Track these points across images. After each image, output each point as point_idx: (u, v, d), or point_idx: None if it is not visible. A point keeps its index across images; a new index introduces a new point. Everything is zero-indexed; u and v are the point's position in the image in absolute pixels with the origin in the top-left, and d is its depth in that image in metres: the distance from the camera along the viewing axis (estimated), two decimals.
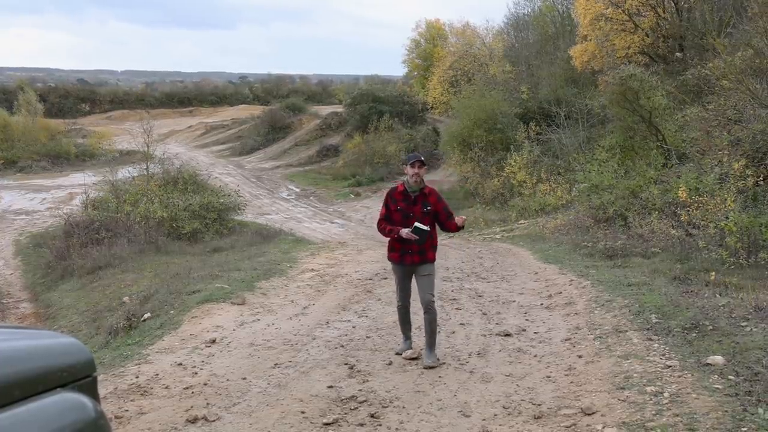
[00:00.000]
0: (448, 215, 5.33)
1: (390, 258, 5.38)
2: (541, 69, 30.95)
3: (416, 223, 5.12)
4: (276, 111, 47.27)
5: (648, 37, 24.19)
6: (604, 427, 3.63)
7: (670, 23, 23.69)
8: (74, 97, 59.54)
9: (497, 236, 17.07)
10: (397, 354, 5.38)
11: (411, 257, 5.22)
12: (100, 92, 64.05)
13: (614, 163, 16.90)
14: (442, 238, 16.95)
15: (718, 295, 6.63)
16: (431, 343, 5.23)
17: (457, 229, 5.33)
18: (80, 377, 1.68)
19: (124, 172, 23.64)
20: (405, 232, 5.13)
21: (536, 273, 9.43)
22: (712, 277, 7.73)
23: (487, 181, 24.97)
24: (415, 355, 5.28)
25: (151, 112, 55.54)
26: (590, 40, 25.48)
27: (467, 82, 32.99)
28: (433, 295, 5.29)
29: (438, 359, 5.17)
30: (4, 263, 18.42)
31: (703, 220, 11.10)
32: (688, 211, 11.56)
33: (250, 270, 9.79)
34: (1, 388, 1.45)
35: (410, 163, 5.25)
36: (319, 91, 71.60)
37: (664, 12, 23.81)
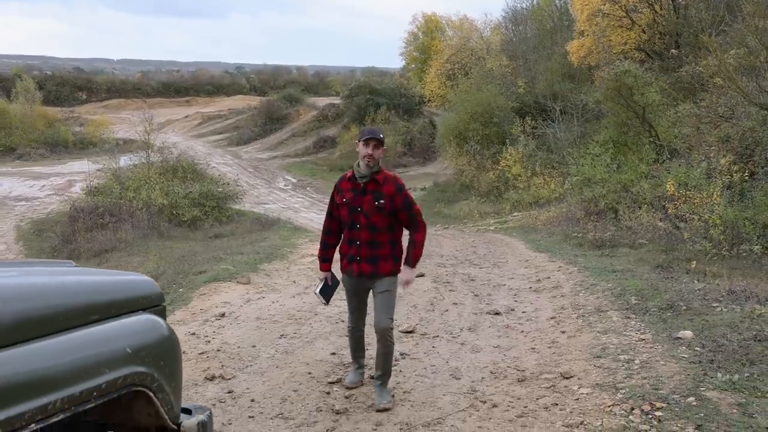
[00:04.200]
0: (410, 218, 4.04)
1: (341, 267, 4.15)
2: (538, 63, 31.32)
3: (317, 289, 4.21)
4: (273, 102, 47.54)
5: (644, 33, 24.56)
6: (579, 388, 4.06)
7: (667, 20, 24.04)
8: (71, 86, 59.48)
9: (491, 228, 17.49)
10: (346, 387, 4.29)
11: (358, 266, 4.00)
12: (97, 81, 63.99)
13: (607, 157, 17.31)
14: (435, 228, 17.41)
15: (696, 281, 7.06)
16: (384, 378, 4.09)
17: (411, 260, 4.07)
18: (154, 305, 2.13)
19: (125, 160, 23.95)
20: (317, 289, 4.24)
21: (527, 260, 9.85)
22: (693, 266, 8.17)
23: (483, 174, 25.36)
24: (355, 385, 4.30)
25: (148, 102, 55.71)
26: (587, 35, 25.86)
27: (464, 75, 33.31)
28: (392, 320, 4.03)
29: (393, 397, 4.07)
30: (6, 248, 18.72)
31: (689, 213, 11.54)
32: (676, 204, 11.99)
33: (252, 254, 10.18)
34: (103, 307, 1.91)
35: (363, 139, 3.98)
36: (316, 82, 71.80)
37: (660, 9, 24.16)
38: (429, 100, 39.09)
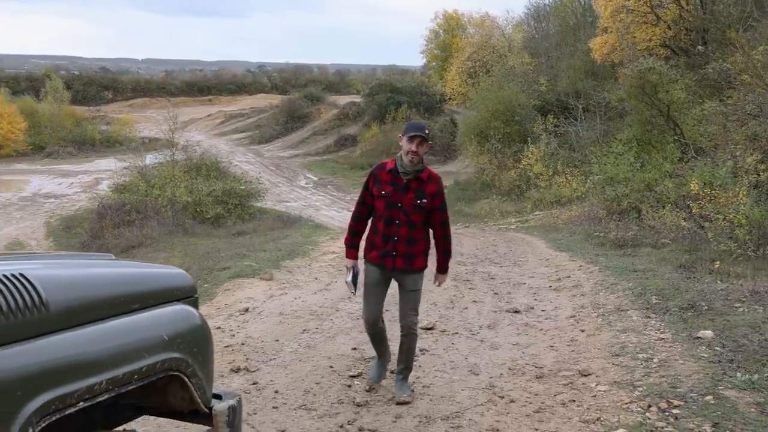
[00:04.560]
0: (443, 221, 4.04)
1: (367, 256, 4.10)
2: (560, 61, 31.10)
3: (349, 278, 4.10)
4: (294, 100, 47.89)
5: (670, 29, 24.25)
6: (597, 385, 4.11)
7: (693, 16, 23.71)
8: (97, 85, 60.53)
9: (512, 226, 17.49)
10: (368, 385, 4.26)
11: (393, 261, 3.97)
12: (123, 80, 65.12)
13: (630, 156, 17.20)
14: (455, 227, 17.45)
15: (718, 281, 7.04)
16: (405, 373, 4.18)
17: (441, 269, 4.20)
18: (188, 296, 2.27)
19: (150, 159, 24.37)
20: (348, 277, 4.12)
21: (547, 259, 9.87)
22: (717, 266, 8.12)
23: (504, 172, 25.32)
24: (377, 383, 4.26)
25: (172, 101, 56.38)
26: (611, 32, 25.60)
27: (485, 73, 33.23)
28: (417, 315, 4.13)
29: (412, 392, 4.15)
30: (36, 243, 19.20)
31: (714, 213, 11.44)
32: (701, 204, 11.89)
33: (274, 251, 10.33)
34: (142, 297, 2.04)
35: (408, 135, 3.87)
36: (337, 80, 72.11)
37: (687, 4, 23.81)
38: (450, 99, 39.04)
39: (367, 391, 4.24)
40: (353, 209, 4.20)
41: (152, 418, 2.95)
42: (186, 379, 2.05)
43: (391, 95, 39.14)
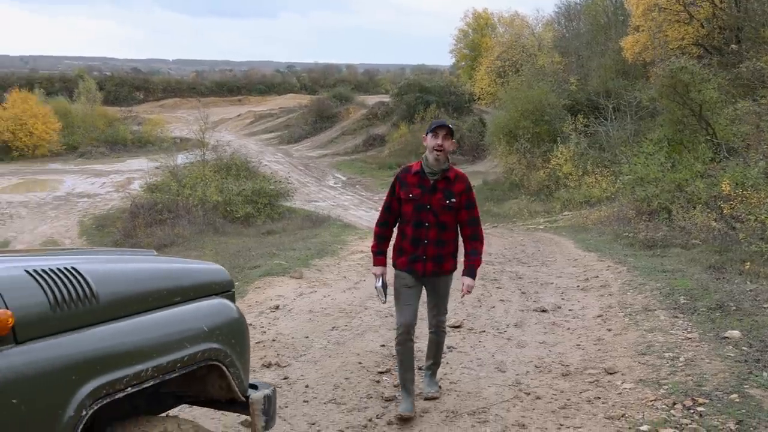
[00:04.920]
0: (471, 219, 3.93)
1: (396, 263, 3.98)
2: (591, 60, 30.79)
3: (379, 284, 3.96)
4: (323, 100, 48.19)
5: (703, 27, 23.86)
6: (622, 383, 4.15)
7: (727, 14, 23.29)
8: (129, 86, 61.59)
9: (540, 226, 17.42)
10: (400, 418, 3.79)
11: (424, 265, 3.85)
12: (154, 81, 66.13)
13: (661, 156, 17.00)
14: (484, 227, 17.34)
15: (748, 282, 6.98)
16: (433, 368, 4.22)
17: (469, 272, 3.94)
18: (226, 290, 2.40)
19: (181, 158, 24.80)
20: (378, 283, 3.97)
21: (575, 260, 9.85)
22: (747, 267, 8.03)
23: (533, 172, 25.18)
24: (411, 415, 3.81)
25: (202, 101, 57.21)
26: (642, 30, 25.27)
27: (515, 72, 33.07)
28: (446, 313, 4.14)
29: (440, 388, 4.20)
30: (70, 242, 19.69)
31: (745, 214, 11.28)
32: (732, 204, 11.74)
33: (304, 250, 10.49)
34: (184, 291, 2.18)
35: (431, 130, 3.84)
36: (366, 80, 72.32)
37: (720, 2, 23.41)
38: (479, 98, 38.91)
39: (395, 386, 4.33)
40: (378, 215, 4.11)
41: (188, 408, 3.11)
42: (224, 368, 2.17)
43: (419, 95, 39.14)
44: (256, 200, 20.72)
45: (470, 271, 3.95)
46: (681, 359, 4.44)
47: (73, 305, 1.78)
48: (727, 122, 16.98)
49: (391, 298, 3.99)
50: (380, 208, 4.10)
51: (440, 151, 3.79)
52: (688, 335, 4.99)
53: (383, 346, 5.21)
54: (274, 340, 5.36)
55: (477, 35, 44.24)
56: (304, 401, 4.12)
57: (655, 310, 5.96)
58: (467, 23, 45.35)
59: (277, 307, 6.51)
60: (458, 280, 3.96)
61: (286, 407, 4.01)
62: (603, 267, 8.72)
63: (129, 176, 30.95)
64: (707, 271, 7.82)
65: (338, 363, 4.79)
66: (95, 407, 1.72)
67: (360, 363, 4.78)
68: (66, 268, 1.85)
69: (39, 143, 38.29)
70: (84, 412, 1.68)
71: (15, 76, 55.53)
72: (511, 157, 26.76)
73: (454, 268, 3.99)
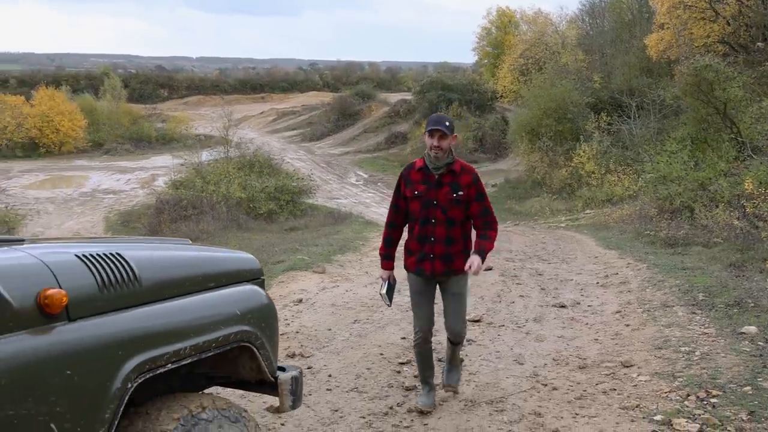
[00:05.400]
0: (482, 211, 3.72)
1: (406, 265, 3.87)
2: (615, 58, 30.55)
3: (383, 291, 3.91)
4: (345, 98, 48.35)
5: (729, 25, 23.56)
6: (638, 376, 4.24)
7: (754, 11, 22.97)
8: (153, 83, 62.03)
9: (562, 224, 17.41)
10: (419, 411, 3.85)
11: (432, 264, 3.70)
12: (178, 78, 66.57)
13: (684, 154, 16.89)
14: (505, 225, 17.47)
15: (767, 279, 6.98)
16: (454, 362, 4.09)
17: (478, 257, 3.59)
18: (256, 278, 2.56)
19: (205, 155, 25.13)
20: (382, 290, 3.93)
21: (596, 257, 9.89)
22: (767, 265, 8.03)
23: (555, 170, 25.11)
24: (430, 408, 3.88)
25: (225, 98, 57.70)
26: (667, 28, 25.05)
27: (538, 70, 32.93)
28: (465, 323, 3.94)
29: (460, 378, 4.15)
30: None
31: None
32: (755, 203, 11.66)
33: (326, 246, 10.67)
34: (218, 277, 2.35)
35: (428, 130, 3.68)
36: (388, 78, 72.23)
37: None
38: (501, 96, 38.81)
39: (415, 376, 4.45)
40: (386, 216, 3.95)
41: (215, 391, 3.27)
42: (255, 350, 2.32)
43: (442, 93, 39.11)
44: (279, 197, 20.95)
45: (479, 251, 3.62)
46: (697, 353, 4.51)
47: (118, 287, 1.93)
48: (752, 121, 16.80)
49: (396, 301, 3.90)
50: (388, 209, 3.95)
51: (438, 149, 3.63)
52: (705, 330, 5.05)
53: (404, 338, 5.34)
54: (297, 332, 5.52)
55: (500, 33, 44.07)
56: (327, 389, 4.27)
57: (674, 306, 6.01)
58: (490, 21, 45.21)
59: (300, 301, 6.68)
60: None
61: (310, 395, 4.16)
62: (623, 264, 8.76)
63: (153, 173, 31.40)
64: (727, 269, 7.82)
65: (360, 354, 4.93)
66: (140, 380, 1.87)
67: (381, 354, 4.92)
68: (111, 254, 2.01)
69: (65, 140, 38.85)
70: (129, 385, 1.83)
71: (42, 74, 56.24)
72: (533, 156, 26.72)
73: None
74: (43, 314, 1.70)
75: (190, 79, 67.83)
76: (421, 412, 3.83)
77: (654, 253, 9.70)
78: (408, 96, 47.03)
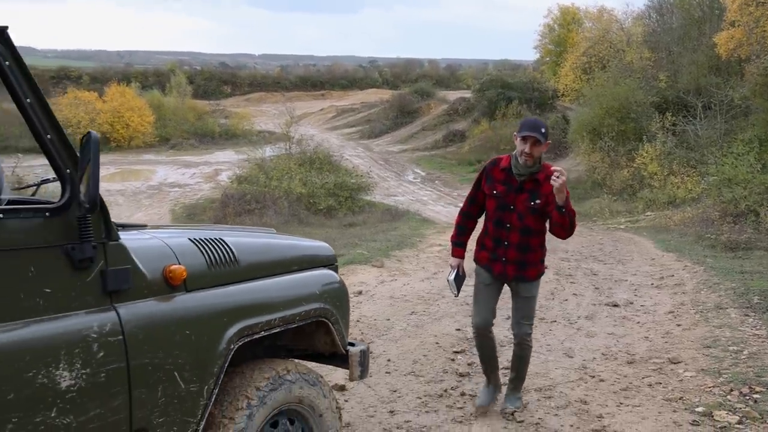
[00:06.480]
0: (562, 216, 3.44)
1: (477, 257, 3.81)
2: (682, 56, 29.78)
3: (451, 277, 3.83)
4: (404, 95, 48.65)
5: None
6: (684, 372, 4.41)
7: None
8: (217, 80, 63.35)
9: (621, 226, 17.25)
10: (476, 410, 3.88)
11: (503, 267, 3.64)
12: (240, 75, 67.96)
13: (751, 157, 16.47)
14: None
15: None
16: (516, 383, 3.92)
17: (561, 217, 3.42)
18: (331, 263, 2.95)
19: (268, 151, 25.90)
20: (450, 276, 3.84)
21: (653, 259, 9.90)
22: None
23: (616, 171, 24.74)
24: (483, 409, 3.87)
25: (286, 95, 58.87)
26: (738, 25, 24.30)
27: (601, 69, 32.40)
28: (531, 326, 3.80)
29: (522, 402, 3.92)
30: None
31: None
32: None
33: (384, 241, 11.05)
34: (300, 261, 2.75)
35: (521, 135, 3.51)
36: (447, 75, 72.00)
37: None
38: (562, 95, 38.30)
39: (468, 364, 4.75)
40: (462, 204, 3.91)
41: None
42: (330, 325, 2.69)
43: (501, 91, 38.89)
44: (338, 193, 21.49)
45: (563, 205, 3.40)
46: (745, 353, 4.64)
47: (222, 266, 2.33)
48: None
49: (464, 291, 3.86)
50: (465, 196, 3.91)
51: (529, 157, 3.50)
52: (756, 332, 5.15)
53: (459, 330, 5.64)
54: (358, 321, 5.89)
55: (563, 30, 43.45)
56: (386, 372, 4.62)
57: (727, 308, 6.09)
58: (553, 18, 44.62)
59: (360, 293, 7.06)
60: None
61: (371, 377, 4.51)
62: (680, 267, 8.78)
63: (217, 168, 32.49)
64: None
65: (417, 342, 5.26)
66: (240, 343, 2.26)
67: (437, 343, 5.24)
68: (215, 239, 2.41)
69: (134, 135, 40.32)
70: (232, 346, 2.22)
71: (112, 71, 58.51)
72: (594, 156, 26.39)
73: (540, 273, 3.75)
74: (168, 285, 2.10)
75: (252, 76, 69.26)
76: (478, 411, 3.84)
77: (713, 256, 9.64)
78: (467, 94, 46.93)
